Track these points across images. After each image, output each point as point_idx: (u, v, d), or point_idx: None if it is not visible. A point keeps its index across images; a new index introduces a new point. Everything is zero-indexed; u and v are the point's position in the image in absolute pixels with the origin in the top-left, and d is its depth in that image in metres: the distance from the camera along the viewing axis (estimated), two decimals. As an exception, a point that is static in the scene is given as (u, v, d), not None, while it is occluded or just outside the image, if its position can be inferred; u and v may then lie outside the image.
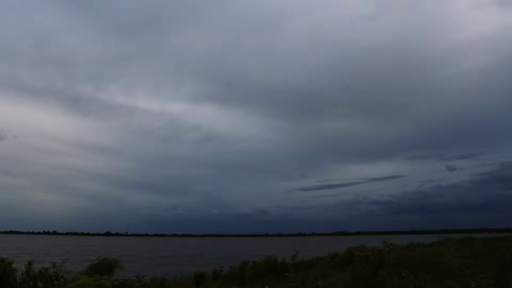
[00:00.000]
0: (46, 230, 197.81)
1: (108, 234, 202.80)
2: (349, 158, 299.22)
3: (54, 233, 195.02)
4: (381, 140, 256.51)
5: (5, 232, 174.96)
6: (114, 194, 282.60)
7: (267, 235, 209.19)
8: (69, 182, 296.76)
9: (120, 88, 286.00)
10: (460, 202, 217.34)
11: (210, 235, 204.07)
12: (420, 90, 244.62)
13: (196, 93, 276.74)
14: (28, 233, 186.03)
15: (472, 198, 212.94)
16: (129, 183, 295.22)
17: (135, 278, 9.66)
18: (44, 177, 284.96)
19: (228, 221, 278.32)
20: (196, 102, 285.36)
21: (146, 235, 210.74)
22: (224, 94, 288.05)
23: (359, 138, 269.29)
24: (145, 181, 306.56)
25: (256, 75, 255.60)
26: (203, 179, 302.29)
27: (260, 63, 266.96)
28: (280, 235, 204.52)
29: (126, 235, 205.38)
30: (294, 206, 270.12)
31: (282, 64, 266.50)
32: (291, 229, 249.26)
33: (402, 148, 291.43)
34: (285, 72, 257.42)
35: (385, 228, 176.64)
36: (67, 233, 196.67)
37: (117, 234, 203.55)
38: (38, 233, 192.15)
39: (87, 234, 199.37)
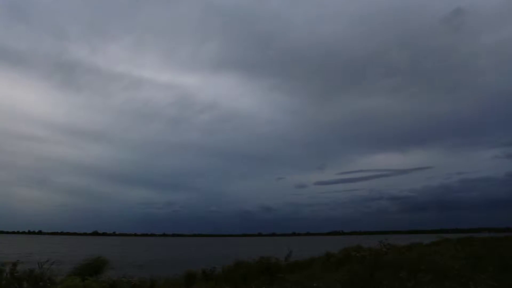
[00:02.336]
0: (31, 230, 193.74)
1: (95, 233, 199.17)
2: (378, 146, 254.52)
3: (40, 232, 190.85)
4: (427, 122, 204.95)
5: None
6: (105, 189, 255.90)
7: (260, 235, 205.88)
8: (55, 176, 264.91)
9: (123, 51, 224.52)
10: (487, 198, 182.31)
11: (200, 235, 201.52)
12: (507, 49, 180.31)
13: (217, 58, 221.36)
14: (13, 232, 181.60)
15: (504, 193, 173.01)
16: (123, 177, 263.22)
17: (124, 279, 9.40)
18: (27, 170, 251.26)
19: (226, 219, 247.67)
20: (215, 71, 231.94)
21: (135, 235, 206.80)
22: (251, 60, 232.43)
23: (399, 120, 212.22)
24: (141, 174, 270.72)
25: (296, 31, 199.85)
26: (207, 172, 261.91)
27: (305, 12, 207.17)
28: (273, 234, 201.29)
29: (114, 234, 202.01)
30: (303, 202, 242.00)
31: (333, 13, 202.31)
32: (290, 228, 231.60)
33: (448, 132, 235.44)
34: (334, 25, 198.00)
35: (385, 228, 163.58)
36: (53, 233, 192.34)
37: (104, 234, 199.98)
38: (23, 232, 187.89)
39: (74, 234, 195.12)
